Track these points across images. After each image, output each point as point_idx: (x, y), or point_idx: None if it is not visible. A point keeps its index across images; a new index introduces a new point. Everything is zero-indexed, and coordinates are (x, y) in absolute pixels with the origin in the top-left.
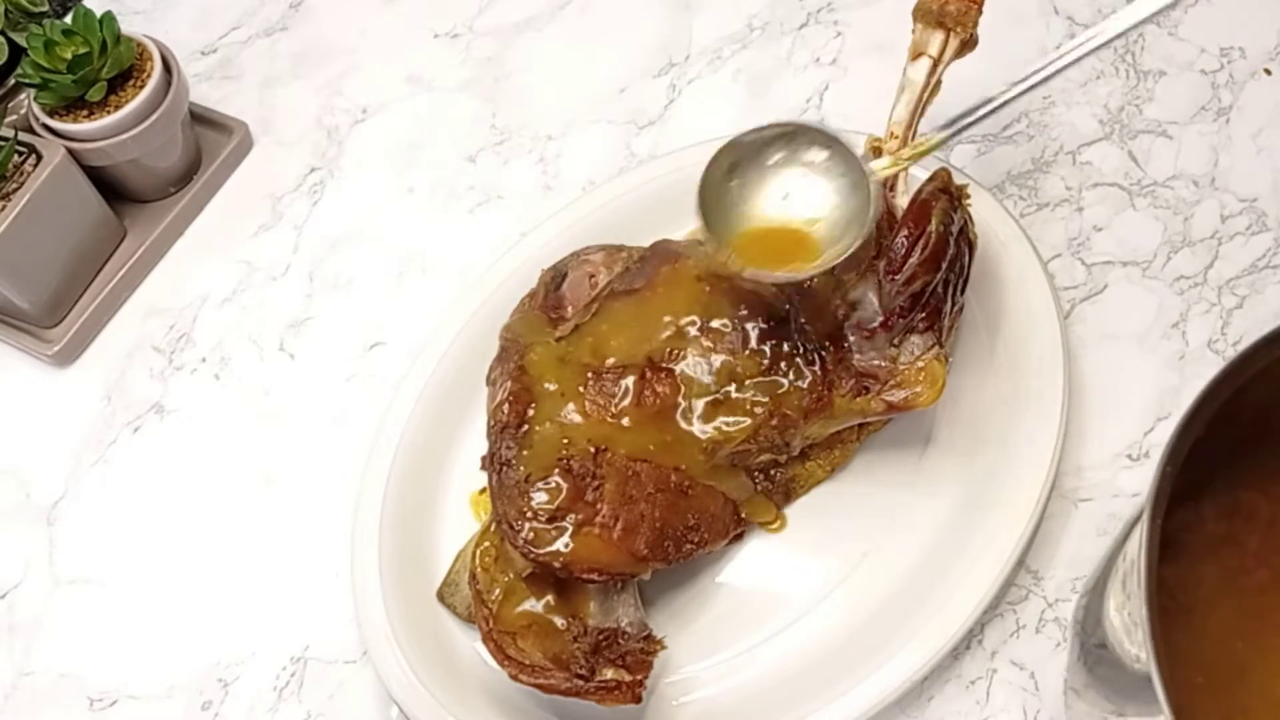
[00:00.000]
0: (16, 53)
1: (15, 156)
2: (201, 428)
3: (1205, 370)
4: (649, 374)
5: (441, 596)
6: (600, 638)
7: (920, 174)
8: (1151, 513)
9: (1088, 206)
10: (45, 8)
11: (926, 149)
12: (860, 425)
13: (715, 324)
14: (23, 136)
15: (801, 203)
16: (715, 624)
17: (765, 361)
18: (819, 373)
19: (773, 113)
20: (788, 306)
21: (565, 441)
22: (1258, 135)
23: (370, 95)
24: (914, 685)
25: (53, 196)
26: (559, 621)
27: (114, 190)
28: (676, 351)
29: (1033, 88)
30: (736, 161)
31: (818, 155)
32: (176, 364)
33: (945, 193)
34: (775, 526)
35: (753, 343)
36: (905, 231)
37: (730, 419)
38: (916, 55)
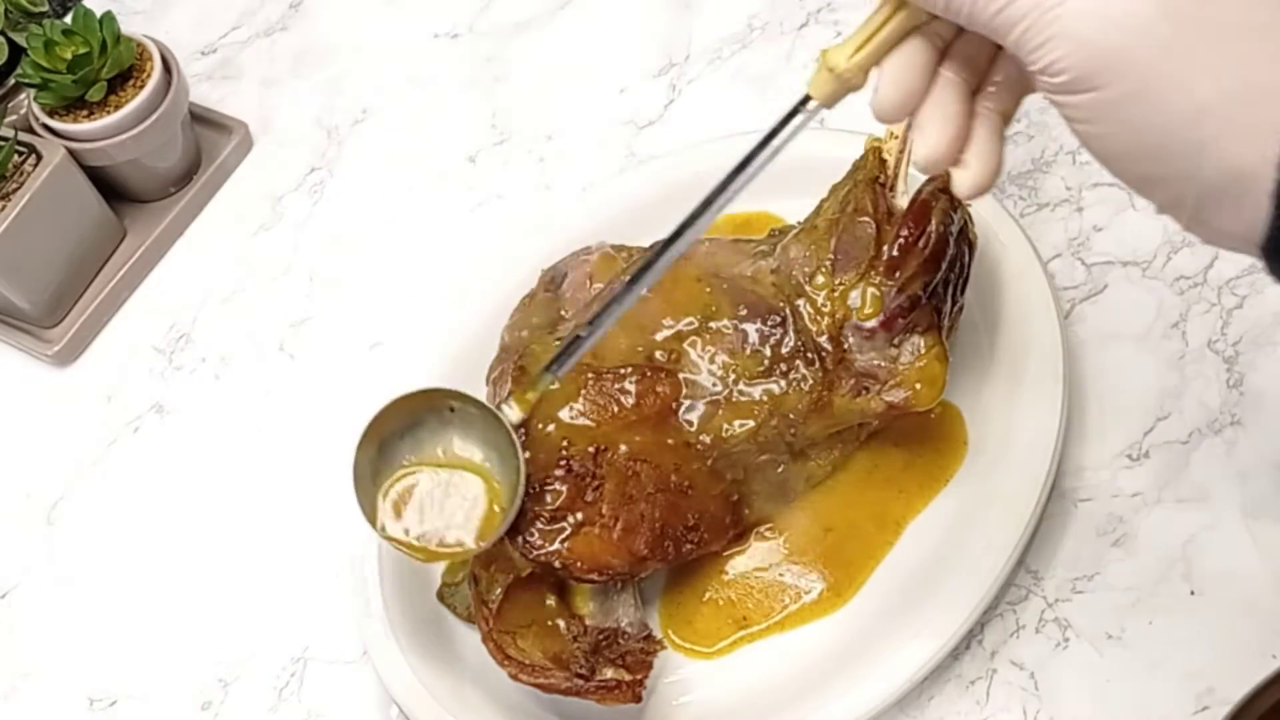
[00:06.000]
0: (16, 53)
1: (15, 156)
2: (201, 428)
3: (1205, 370)
4: (649, 374)
5: (441, 596)
6: (600, 637)
7: (920, 174)
8: None
9: (1088, 206)
10: (45, 8)
11: (540, 389)
12: (860, 425)
13: (715, 324)
14: (23, 136)
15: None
16: None
17: (765, 362)
18: (819, 373)
19: (772, 113)
20: (787, 307)
21: (565, 442)
22: None
23: (370, 95)
24: (914, 685)
25: (53, 196)
26: (559, 621)
27: (114, 190)
28: (676, 352)
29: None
30: (379, 444)
31: (451, 416)
32: (176, 364)
33: (945, 193)
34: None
35: (753, 343)
36: (905, 231)
37: (730, 419)
38: None
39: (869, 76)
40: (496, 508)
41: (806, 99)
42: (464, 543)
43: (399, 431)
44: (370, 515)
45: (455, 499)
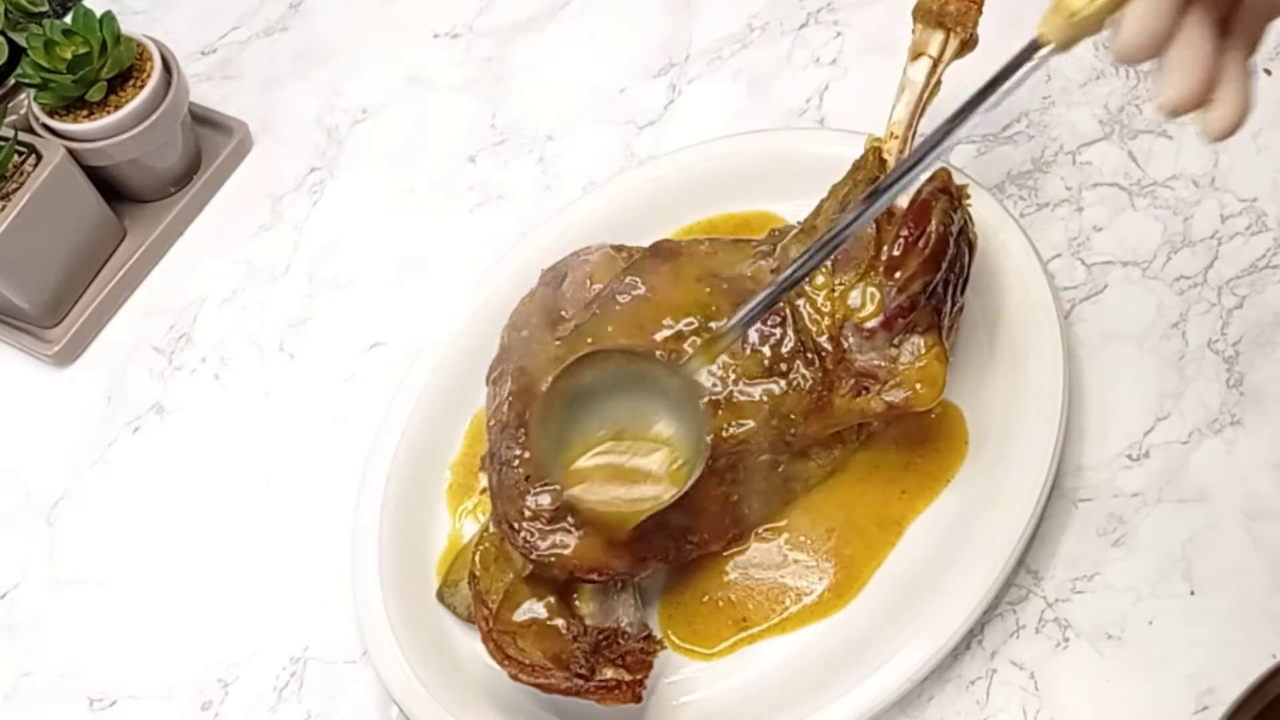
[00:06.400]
0: (16, 53)
1: (15, 156)
2: (201, 428)
3: (1205, 370)
4: None
5: (441, 596)
6: (600, 637)
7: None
8: None
9: (1088, 206)
10: (45, 8)
11: (727, 344)
12: (860, 425)
13: (715, 324)
14: (23, 136)
15: (637, 422)
16: None
17: (765, 362)
18: (819, 373)
19: (772, 113)
20: (787, 307)
21: None
22: (1258, 135)
23: (370, 95)
24: (914, 685)
25: (53, 196)
26: (559, 621)
27: (114, 190)
28: (676, 352)
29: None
30: (571, 394)
31: (632, 372)
32: (176, 364)
33: (945, 193)
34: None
35: (752, 343)
36: (905, 231)
37: (730, 419)
38: (916, 55)
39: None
40: (678, 464)
41: (1035, 45)
42: (651, 499)
43: (579, 393)
44: (561, 480)
45: (639, 458)
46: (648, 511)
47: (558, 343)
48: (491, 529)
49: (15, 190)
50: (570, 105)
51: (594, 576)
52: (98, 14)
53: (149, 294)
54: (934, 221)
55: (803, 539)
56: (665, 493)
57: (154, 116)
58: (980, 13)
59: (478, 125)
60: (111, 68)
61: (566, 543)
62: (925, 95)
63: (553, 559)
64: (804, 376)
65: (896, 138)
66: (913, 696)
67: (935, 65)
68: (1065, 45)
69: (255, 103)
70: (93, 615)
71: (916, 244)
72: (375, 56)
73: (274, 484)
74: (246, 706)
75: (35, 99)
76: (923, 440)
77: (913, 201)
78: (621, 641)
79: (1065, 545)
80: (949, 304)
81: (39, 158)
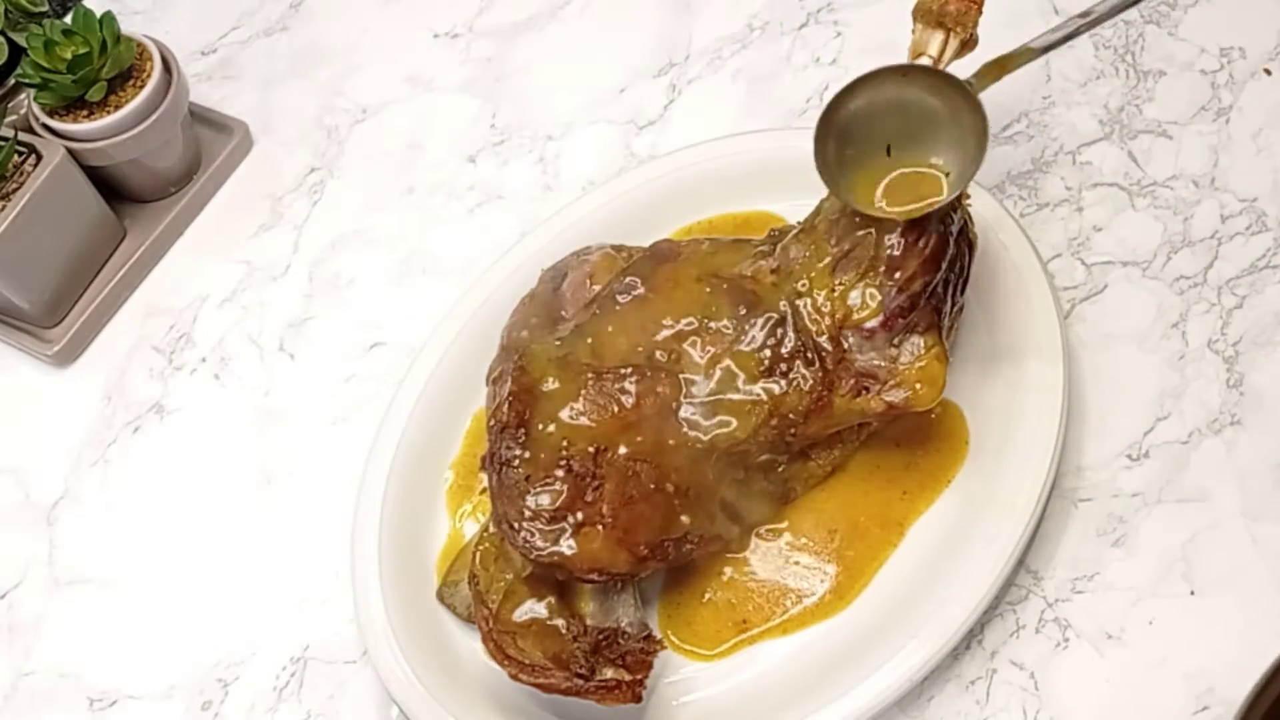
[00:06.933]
0: (16, 53)
1: (15, 156)
2: (201, 428)
3: (1205, 370)
4: (649, 374)
5: (441, 596)
6: (600, 637)
7: None
8: None
9: (1088, 206)
10: (45, 8)
11: (1018, 64)
12: (860, 425)
13: (715, 324)
14: (23, 136)
15: (909, 140)
16: None
17: (765, 362)
18: (819, 373)
19: (772, 113)
20: (787, 307)
21: (565, 442)
22: (1258, 135)
23: (370, 95)
24: (914, 685)
25: (53, 196)
26: (559, 621)
27: (114, 190)
28: (676, 352)
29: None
30: (845, 120)
31: (907, 90)
32: (176, 364)
33: None
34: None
35: (753, 343)
36: (905, 231)
37: (730, 419)
38: (916, 55)
39: None
40: (948, 175)
41: None
42: (927, 201)
43: (855, 113)
44: (856, 199)
45: (922, 174)
46: (924, 210)
47: (558, 343)
48: (491, 529)
49: (15, 190)
50: (570, 105)
51: (594, 576)
52: (98, 14)
53: (149, 294)
54: (934, 221)
55: (804, 540)
56: (939, 198)
57: (154, 116)
58: (980, 13)
59: (478, 125)
60: (111, 68)
61: (567, 543)
62: None
63: (553, 559)
64: (804, 376)
65: None
66: (913, 696)
67: (935, 65)
68: None
69: (255, 103)
70: (93, 615)
71: (916, 244)
72: (375, 56)
73: (274, 484)
74: (246, 706)
75: (35, 99)
76: (923, 440)
77: None
78: (621, 641)
79: (1065, 545)
80: (949, 304)
81: (39, 158)
